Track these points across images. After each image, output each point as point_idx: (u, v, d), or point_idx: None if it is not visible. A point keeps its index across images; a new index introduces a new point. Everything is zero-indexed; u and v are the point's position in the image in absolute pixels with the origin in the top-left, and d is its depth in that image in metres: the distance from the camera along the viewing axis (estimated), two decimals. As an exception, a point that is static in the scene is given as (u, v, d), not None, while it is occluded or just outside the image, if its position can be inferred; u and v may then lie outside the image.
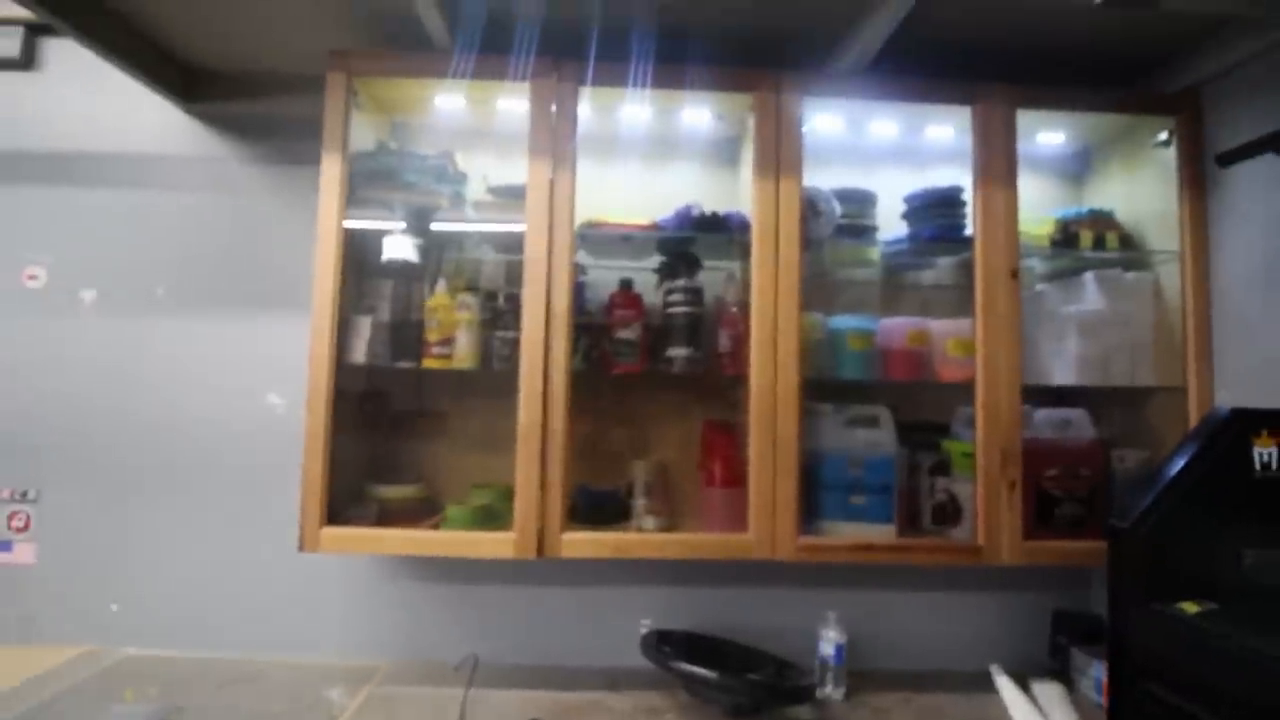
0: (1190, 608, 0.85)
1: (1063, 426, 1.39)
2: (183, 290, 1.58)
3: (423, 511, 1.40)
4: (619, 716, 1.29)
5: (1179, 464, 0.91)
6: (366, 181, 1.37)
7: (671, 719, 1.29)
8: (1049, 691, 1.37)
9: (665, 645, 1.37)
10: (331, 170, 1.29)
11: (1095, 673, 1.36)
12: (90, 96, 1.61)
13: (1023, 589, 1.56)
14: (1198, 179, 1.37)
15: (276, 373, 1.54)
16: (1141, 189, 1.49)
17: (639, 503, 1.44)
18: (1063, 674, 1.45)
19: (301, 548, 1.23)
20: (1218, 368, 1.34)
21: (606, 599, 1.55)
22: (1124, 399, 1.49)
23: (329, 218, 1.28)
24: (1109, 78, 1.48)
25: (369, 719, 1.25)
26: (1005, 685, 1.40)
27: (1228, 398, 1.31)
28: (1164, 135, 1.42)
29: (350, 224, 1.31)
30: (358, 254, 1.39)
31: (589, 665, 1.49)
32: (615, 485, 1.49)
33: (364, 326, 1.33)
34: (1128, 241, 1.47)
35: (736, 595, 1.55)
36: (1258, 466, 0.92)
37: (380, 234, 1.39)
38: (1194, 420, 1.33)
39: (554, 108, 1.32)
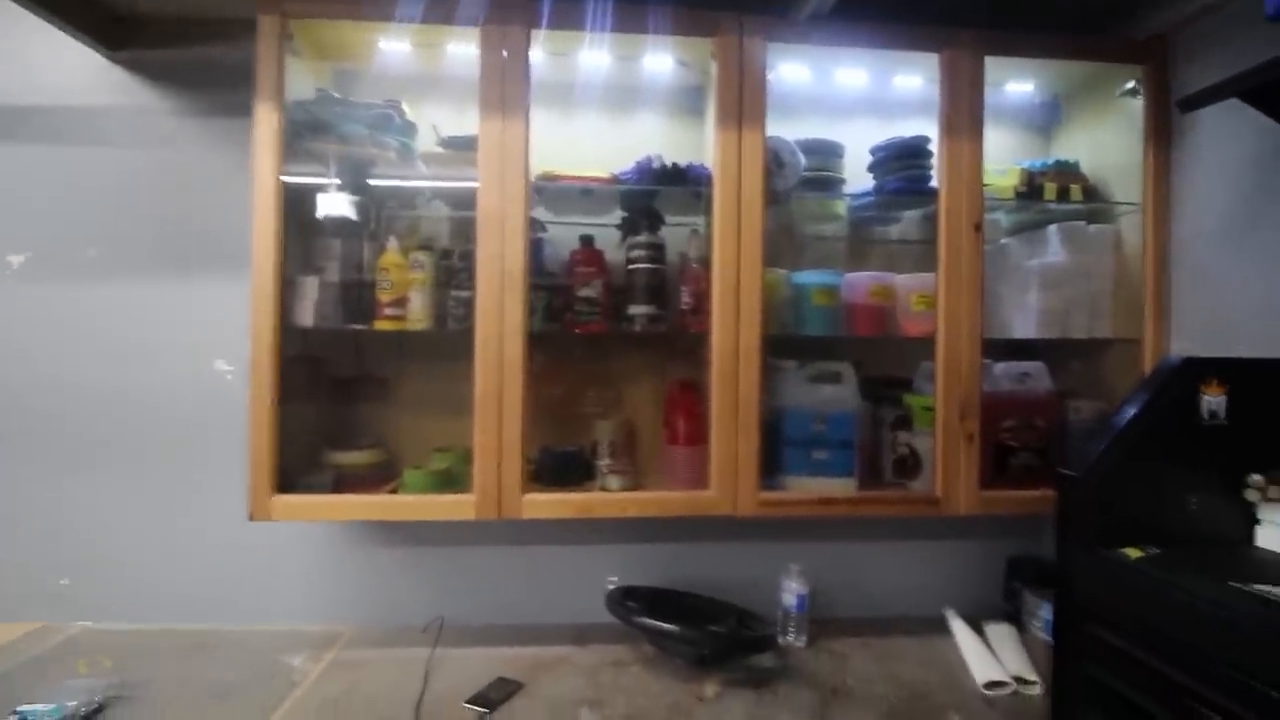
0: (1133, 553, 0.87)
1: (1021, 379, 1.40)
2: (118, 252, 1.49)
3: (381, 476, 1.38)
4: (585, 671, 1.30)
5: (1129, 413, 0.93)
6: (307, 133, 1.29)
7: (637, 671, 1.30)
8: (1001, 632, 1.42)
9: (631, 601, 1.38)
10: (267, 121, 1.21)
11: (1045, 614, 1.41)
12: (7, 44, 1.48)
13: (979, 536, 1.60)
14: (1163, 129, 1.36)
15: (223, 338, 1.48)
16: (1108, 140, 1.48)
17: (603, 462, 1.43)
18: (1015, 616, 1.51)
19: (252, 517, 1.20)
20: (1174, 319, 1.36)
21: (574, 557, 1.56)
22: (1081, 350, 1.51)
23: (266, 172, 1.21)
24: (1078, 25, 1.44)
25: (332, 683, 1.25)
26: (959, 628, 1.45)
27: (1183, 349, 1.33)
28: (1131, 84, 1.40)
29: (289, 178, 1.23)
30: (302, 211, 1.32)
31: (557, 622, 1.51)
32: (580, 445, 1.48)
33: (310, 287, 1.28)
34: (1092, 193, 1.46)
35: (702, 550, 1.57)
36: (1205, 415, 0.93)
37: (323, 189, 1.32)
38: (1149, 371, 1.35)
39: (506, 53, 1.25)
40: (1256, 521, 0.92)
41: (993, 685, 1.23)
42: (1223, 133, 1.25)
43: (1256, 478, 0.90)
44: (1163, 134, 1.36)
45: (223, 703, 1.18)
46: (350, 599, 1.52)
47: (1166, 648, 0.78)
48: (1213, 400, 0.92)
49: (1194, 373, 0.93)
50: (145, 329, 1.50)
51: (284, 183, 1.22)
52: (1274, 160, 1.15)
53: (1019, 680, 1.24)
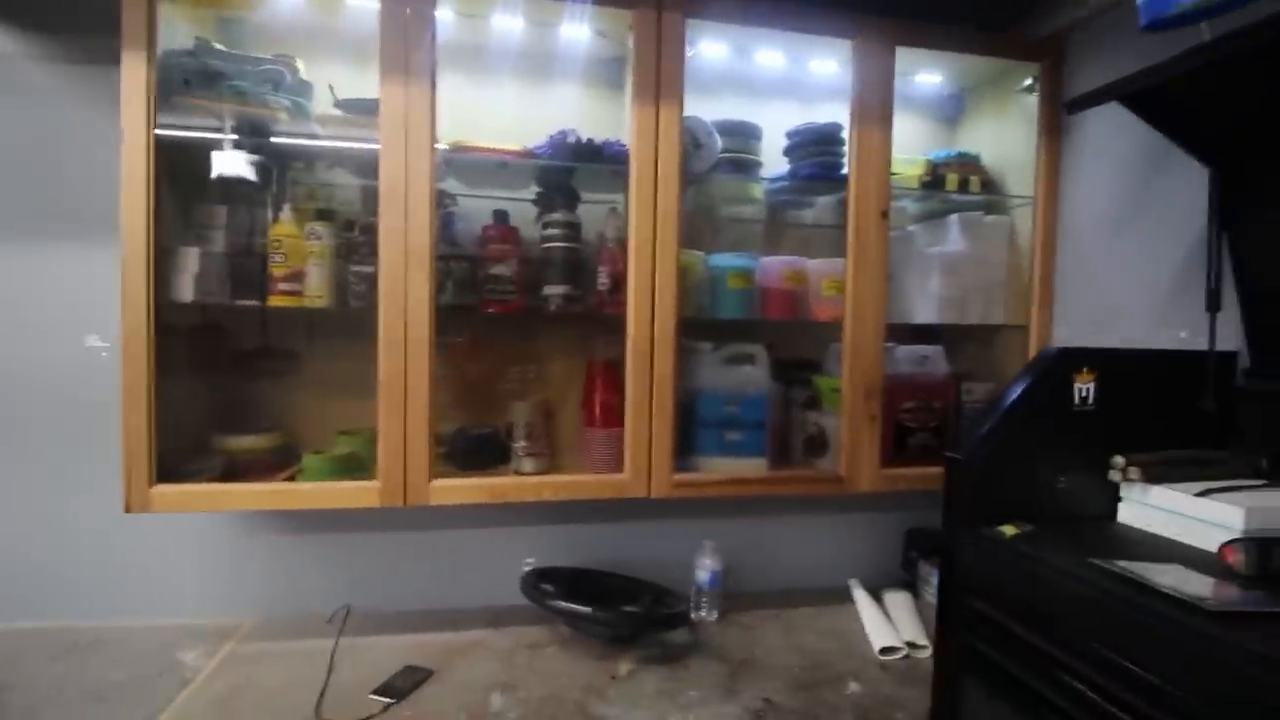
0: (1009, 530, 0.94)
1: (920, 362, 1.47)
2: (-33, 213, 1.32)
3: (278, 462, 1.30)
4: (500, 654, 1.30)
5: (1009, 399, 0.98)
6: (185, 86, 1.17)
7: (554, 652, 1.31)
8: (898, 599, 1.51)
9: (547, 582, 1.38)
10: (134, 71, 1.09)
11: (937, 581, 1.51)
12: None
13: (881, 510, 1.69)
14: (1055, 125, 1.44)
15: (95, 312, 1.34)
16: (1007, 134, 1.55)
17: (518, 444, 1.40)
18: (912, 584, 1.61)
19: (128, 509, 1.11)
20: (1058, 307, 1.45)
21: (489, 540, 1.53)
22: (976, 335, 1.60)
23: (135, 130, 1.09)
24: (984, 22, 1.49)
25: (227, 678, 1.19)
26: (860, 597, 1.53)
27: (1065, 334, 1.43)
28: (1029, 81, 1.47)
29: (165, 132, 1.12)
30: (181, 174, 1.20)
31: (471, 606, 1.48)
32: (495, 426, 1.45)
33: (191, 259, 1.17)
34: (990, 185, 1.53)
35: (619, 530, 1.58)
36: (1077, 400, 1.01)
37: (207, 150, 1.20)
38: (1032, 356, 1.45)
39: (409, 10, 1.17)
40: (1119, 499, 1.01)
41: (887, 651, 1.31)
42: (1108, 131, 1.33)
43: (1119, 459, 0.98)
44: (1055, 130, 1.43)
45: (102, 704, 1.11)
46: (250, 590, 1.44)
47: (1035, 620, 0.85)
48: (1083, 387, 1.00)
49: (1068, 361, 1.00)
50: (6, 301, 1.34)
51: (157, 141, 1.10)
52: (1152, 161, 1.24)
53: (911, 645, 1.32)
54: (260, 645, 1.31)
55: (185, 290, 1.17)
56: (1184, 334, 1.16)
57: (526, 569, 1.43)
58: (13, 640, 1.30)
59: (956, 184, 1.47)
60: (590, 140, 1.33)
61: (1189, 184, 1.12)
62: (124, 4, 1.08)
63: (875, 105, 1.34)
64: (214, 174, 1.18)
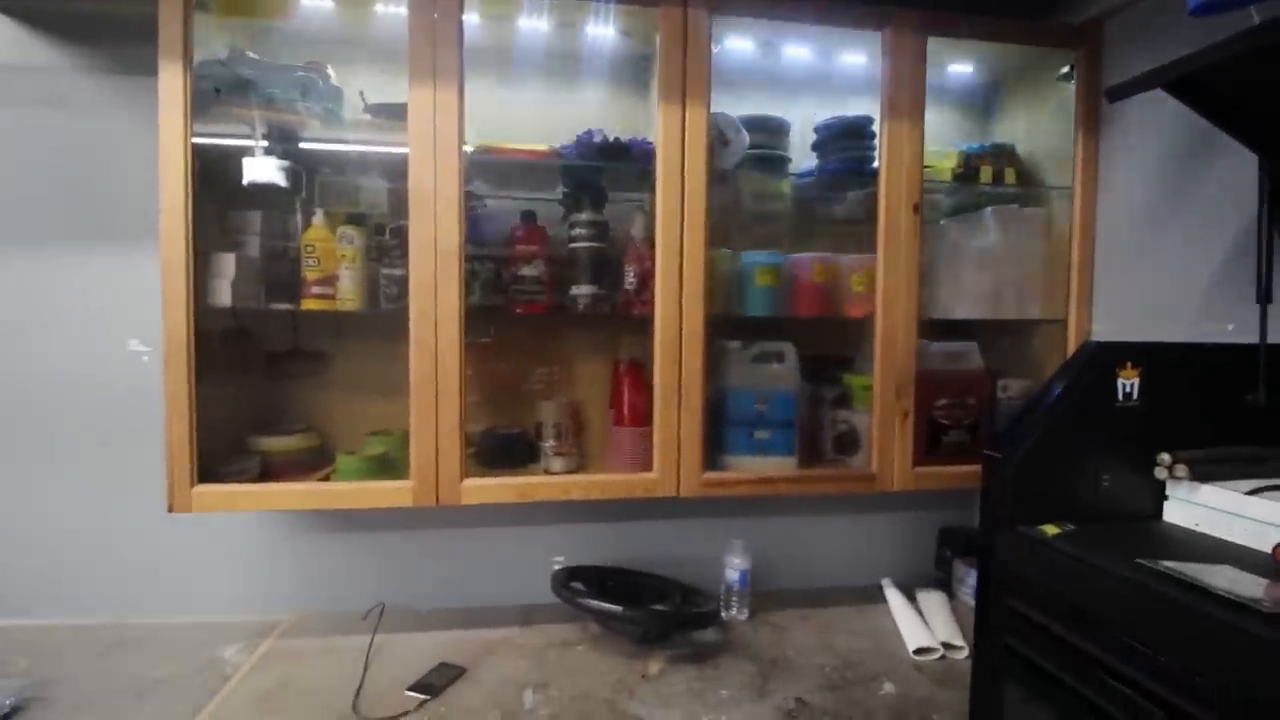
0: (1050, 529, 0.91)
1: (954, 359, 1.44)
2: (19, 223, 1.37)
3: (313, 462, 1.33)
4: (531, 651, 1.30)
5: (1050, 396, 0.96)
6: (222, 94, 1.19)
7: (583, 651, 1.31)
8: (932, 600, 1.49)
9: (577, 581, 1.38)
10: (172, 82, 1.11)
11: (973, 581, 1.48)
12: None
13: (914, 508, 1.66)
14: (1093, 115, 1.40)
15: (138, 317, 1.38)
16: (1043, 124, 1.51)
17: (547, 444, 1.42)
18: (946, 584, 1.58)
19: (171, 509, 1.14)
20: (1097, 301, 1.41)
21: (519, 538, 1.54)
22: (1013, 330, 1.56)
23: (173, 140, 1.11)
24: (1017, 7, 1.45)
25: (266, 674, 1.21)
26: (893, 596, 1.51)
27: (1105, 330, 1.39)
28: (1066, 69, 1.43)
29: (202, 140, 1.15)
30: (218, 182, 1.23)
31: (503, 604, 1.50)
32: (523, 427, 1.46)
33: (227, 265, 1.19)
34: (1025, 177, 1.49)
35: (648, 528, 1.58)
36: (1120, 396, 0.97)
37: (240, 157, 1.22)
38: (1071, 351, 1.41)
39: (437, 15, 1.18)
40: (1165, 498, 0.98)
41: (922, 651, 1.29)
42: (1149, 119, 1.29)
43: (1165, 456, 0.95)
44: (1093, 120, 1.39)
45: (146, 700, 1.14)
46: (287, 587, 1.47)
47: (1078, 621, 0.82)
48: (1126, 383, 0.97)
49: (1110, 356, 0.97)
50: (53, 308, 1.39)
51: (194, 149, 1.13)
52: (1195, 150, 1.20)
53: (947, 646, 1.30)
54: (298, 642, 1.34)
55: (223, 295, 1.19)
56: (1231, 327, 1.12)
57: (556, 567, 1.44)
58: (60, 636, 1.34)
59: (991, 176, 1.43)
60: (617, 139, 1.33)
61: (1234, 173, 1.08)
62: (161, 16, 1.11)
63: (905, 98, 1.31)
64: (246, 180, 1.21)
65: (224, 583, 1.46)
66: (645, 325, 1.33)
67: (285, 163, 1.23)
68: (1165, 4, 1.23)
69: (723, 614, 1.44)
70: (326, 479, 1.27)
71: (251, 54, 1.27)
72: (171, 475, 1.14)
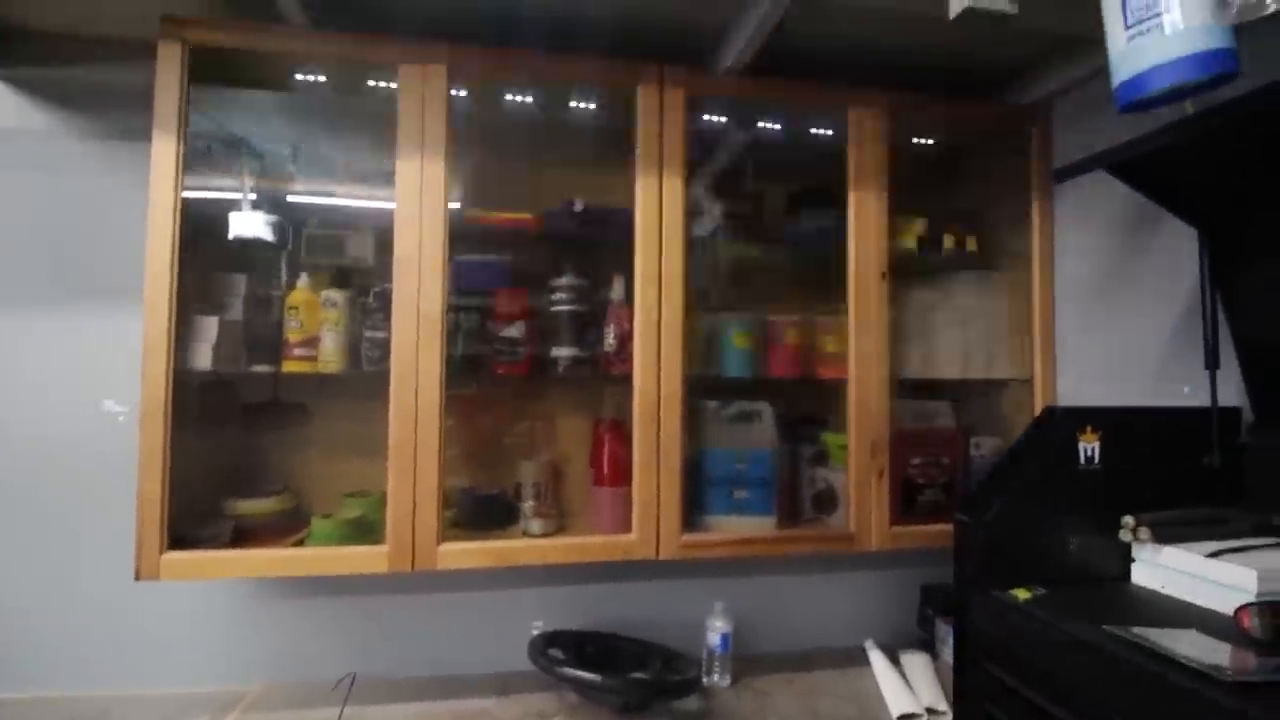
0: (1022, 594, 0.93)
1: (928, 417, 1.47)
2: (2, 282, 1.38)
3: (287, 525, 1.30)
4: (506, 723, 1.27)
5: (1012, 461, 0.99)
6: (209, 164, 1.23)
7: (560, 721, 1.28)
8: (915, 662, 1.47)
9: (555, 646, 1.36)
10: (164, 154, 1.14)
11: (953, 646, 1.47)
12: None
13: (895, 566, 1.66)
14: (1047, 186, 1.48)
15: (113, 377, 1.37)
16: (1003, 192, 1.59)
17: (526, 504, 1.41)
18: (929, 643, 1.57)
19: (138, 577, 1.11)
20: (1061, 363, 1.46)
21: (496, 602, 1.52)
22: (983, 390, 1.61)
23: (162, 210, 1.14)
24: (975, 87, 1.55)
25: (230, 752, 1.17)
26: (876, 659, 1.50)
27: (1070, 390, 1.44)
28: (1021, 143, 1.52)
29: (189, 194, 1.17)
30: (202, 246, 1.25)
31: (479, 673, 1.46)
32: (503, 487, 1.46)
33: (209, 328, 1.20)
34: (987, 243, 1.56)
35: (627, 590, 1.56)
36: (1082, 460, 1.01)
37: (226, 216, 1.25)
38: (1038, 409, 1.45)
39: (425, 95, 1.23)
40: (1132, 559, 1.00)
41: (906, 717, 1.27)
42: (1098, 192, 1.36)
43: (1128, 519, 0.98)
44: (1047, 190, 1.48)
45: (103, 781, 1.09)
46: (255, 656, 1.42)
47: (1052, 687, 0.83)
48: (1088, 447, 1.00)
49: (1070, 421, 1.01)
50: (26, 366, 1.38)
51: (183, 205, 1.15)
52: (1143, 218, 1.27)
53: (930, 711, 1.29)
54: (264, 716, 1.29)
55: (203, 359, 1.20)
56: (1186, 389, 1.17)
57: (535, 632, 1.41)
58: (17, 711, 1.28)
59: (953, 243, 1.50)
60: (598, 208, 1.38)
61: (1180, 242, 1.15)
62: (158, 92, 1.15)
63: (871, 171, 1.39)
64: (232, 234, 1.23)
65: (189, 651, 1.41)
66: (625, 382, 1.35)
67: (272, 218, 1.25)
68: (1103, 89, 1.32)
69: (704, 680, 1.41)
70: (300, 543, 1.25)
71: (244, 121, 1.31)
72: (141, 541, 1.12)
